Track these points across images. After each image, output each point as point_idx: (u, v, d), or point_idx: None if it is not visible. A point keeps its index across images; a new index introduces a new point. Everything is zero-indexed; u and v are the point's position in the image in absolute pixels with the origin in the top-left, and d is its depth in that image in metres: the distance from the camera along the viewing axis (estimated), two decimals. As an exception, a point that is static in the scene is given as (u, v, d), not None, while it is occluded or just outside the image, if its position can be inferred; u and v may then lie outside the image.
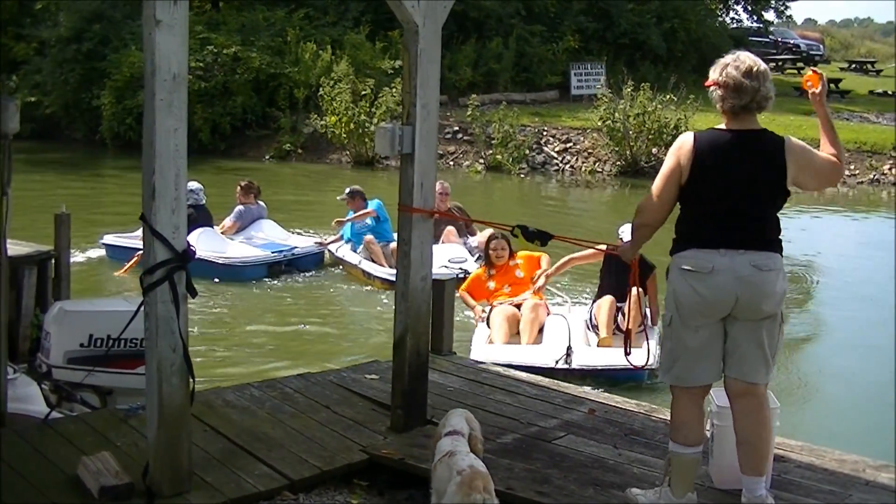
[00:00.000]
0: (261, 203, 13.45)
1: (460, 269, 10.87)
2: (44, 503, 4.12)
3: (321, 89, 25.20)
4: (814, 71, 4.21)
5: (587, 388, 6.51)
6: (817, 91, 4.17)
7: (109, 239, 12.77)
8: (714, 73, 4.11)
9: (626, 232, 7.92)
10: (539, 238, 5.26)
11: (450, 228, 12.06)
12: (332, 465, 4.69)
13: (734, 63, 4.04)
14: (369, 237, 12.26)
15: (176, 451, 4.19)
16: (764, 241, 4.04)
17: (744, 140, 4.05)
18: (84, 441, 4.79)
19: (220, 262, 11.81)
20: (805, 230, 17.59)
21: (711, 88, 4.09)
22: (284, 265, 12.47)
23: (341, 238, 13.00)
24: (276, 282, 12.09)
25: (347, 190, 13.24)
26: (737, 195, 4.00)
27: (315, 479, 4.57)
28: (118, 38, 27.29)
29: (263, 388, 5.82)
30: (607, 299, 8.51)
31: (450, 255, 11.43)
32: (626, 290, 5.56)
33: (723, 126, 4.12)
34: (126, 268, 11.91)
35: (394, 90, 23.21)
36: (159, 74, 3.94)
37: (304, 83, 26.30)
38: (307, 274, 12.48)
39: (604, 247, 6.82)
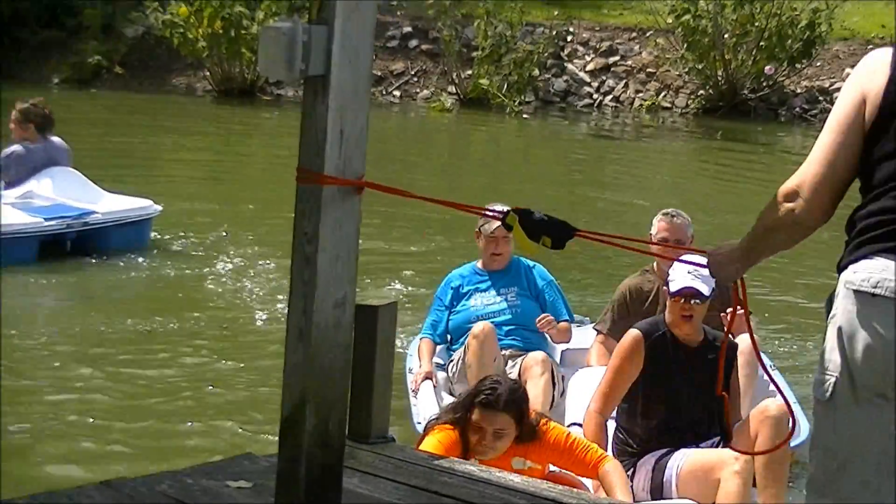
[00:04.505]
0: (54, 140, 13.53)
1: None
2: None
3: (159, -44, 25.26)
4: None
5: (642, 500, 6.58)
6: None
7: None
8: None
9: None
10: (551, 234, 4.73)
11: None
12: None
13: None
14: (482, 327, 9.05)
15: None
16: None
17: None
18: None
19: None
20: None
21: None
22: (72, 240, 12.69)
23: None
24: (64, 274, 12.26)
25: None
26: None
27: None
28: None
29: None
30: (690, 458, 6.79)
31: None
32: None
33: None
34: None
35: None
36: None
37: (128, -56, 26.34)
38: (122, 257, 12.77)
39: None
